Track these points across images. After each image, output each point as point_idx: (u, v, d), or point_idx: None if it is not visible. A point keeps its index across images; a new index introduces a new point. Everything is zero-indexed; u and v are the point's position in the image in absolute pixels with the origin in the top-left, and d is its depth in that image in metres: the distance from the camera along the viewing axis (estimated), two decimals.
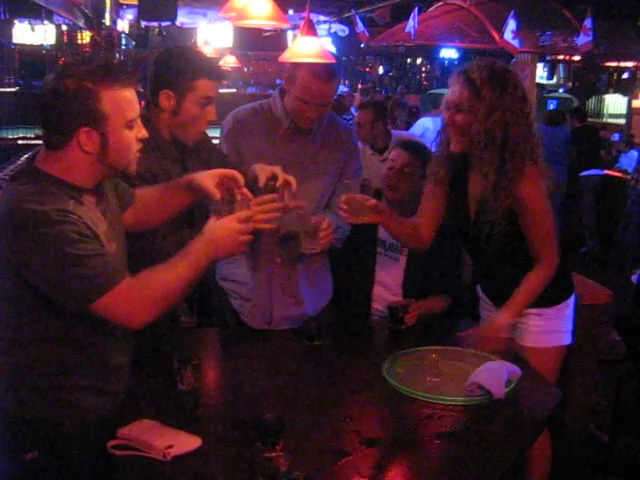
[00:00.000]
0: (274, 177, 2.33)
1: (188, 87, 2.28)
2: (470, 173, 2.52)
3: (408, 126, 8.72)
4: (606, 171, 7.96)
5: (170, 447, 1.77)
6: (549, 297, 2.55)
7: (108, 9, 12.83)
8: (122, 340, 1.90)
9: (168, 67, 2.32)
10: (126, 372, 1.94)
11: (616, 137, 9.51)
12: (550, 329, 2.58)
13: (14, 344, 1.78)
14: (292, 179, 2.33)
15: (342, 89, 14.86)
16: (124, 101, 1.74)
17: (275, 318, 2.80)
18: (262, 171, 2.35)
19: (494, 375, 2.17)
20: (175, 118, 2.33)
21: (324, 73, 2.59)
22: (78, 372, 1.81)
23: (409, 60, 19.67)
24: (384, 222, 2.54)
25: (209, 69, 2.33)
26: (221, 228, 1.88)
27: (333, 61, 2.59)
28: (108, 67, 1.75)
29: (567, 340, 2.64)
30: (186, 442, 1.82)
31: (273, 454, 1.68)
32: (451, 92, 2.42)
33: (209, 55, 8.89)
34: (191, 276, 1.80)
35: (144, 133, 1.82)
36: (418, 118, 8.89)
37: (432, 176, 2.60)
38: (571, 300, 2.65)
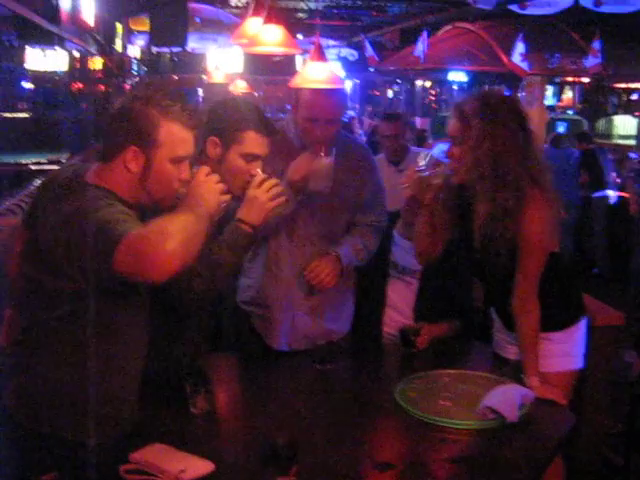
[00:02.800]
0: None
1: (233, 138, 2.24)
2: (475, 202, 2.48)
3: None
4: (619, 192, 7.94)
5: (183, 472, 1.77)
6: (558, 320, 2.52)
7: (120, 35, 13.00)
8: (134, 343, 1.91)
9: (218, 115, 2.29)
10: (138, 378, 1.95)
11: (634, 156, 9.35)
12: (560, 353, 2.52)
13: (32, 353, 1.80)
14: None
15: (350, 114, 14.96)
16: (178, 138, 1.82)
17: (298, 338, 2.79)
18: None
19: (507, 399, 2.16)
20: (219, 167, 2.19)
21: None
22: (99, 379, 1.81)
23: (419, 83, 19.76)
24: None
25: (257, 122, 2.27)
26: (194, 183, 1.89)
27: (342, 86, 2.60)
28: (178, 104, 1.82)
29: (578, 364, 2.58)
30: (199, 466, 1.82)
31: (286, 479, 1.68)
32: (448, 125, 2.45)
33: (220, 81, 8.92)
34: (197, 221, 1.72)
35: (187, 176, 1.86)
36: (425, 141, 8.96)
37: (440, 203, 2.56)
38: (582, 323, 2.59)
